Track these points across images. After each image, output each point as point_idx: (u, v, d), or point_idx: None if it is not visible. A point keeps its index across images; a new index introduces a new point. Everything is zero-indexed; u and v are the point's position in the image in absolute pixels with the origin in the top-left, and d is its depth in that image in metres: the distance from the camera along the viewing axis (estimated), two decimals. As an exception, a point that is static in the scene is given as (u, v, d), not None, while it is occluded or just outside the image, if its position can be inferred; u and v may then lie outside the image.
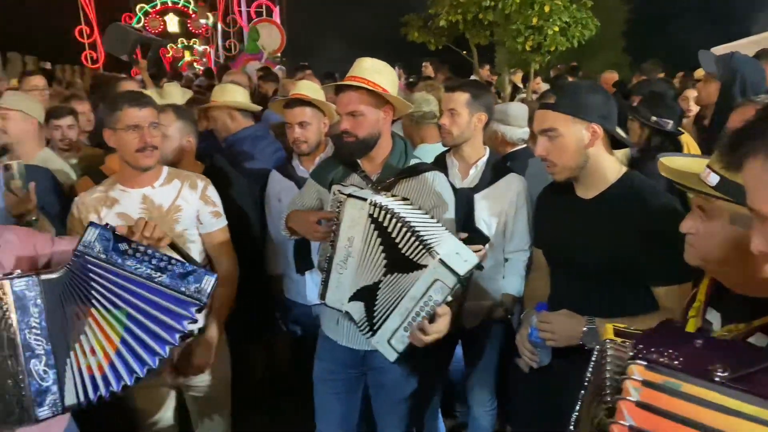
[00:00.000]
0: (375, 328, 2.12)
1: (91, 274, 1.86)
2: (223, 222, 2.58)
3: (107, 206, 2.39)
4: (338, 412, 2.56)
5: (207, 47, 21.18)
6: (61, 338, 1.82)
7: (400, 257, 2.06)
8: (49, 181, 2.92)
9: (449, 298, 2.00)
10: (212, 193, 2.56)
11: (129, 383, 1.86)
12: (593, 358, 1.69)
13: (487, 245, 2.71)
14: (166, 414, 2.64)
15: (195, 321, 1.92)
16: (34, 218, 2.54)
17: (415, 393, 2.55)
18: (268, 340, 3.60)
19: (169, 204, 2.45)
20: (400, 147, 2.39)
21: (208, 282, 1.94)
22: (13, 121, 3.16)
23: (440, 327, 2.01)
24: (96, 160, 3.53)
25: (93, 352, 1.86)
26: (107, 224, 1.93)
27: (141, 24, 19.78)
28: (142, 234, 1.97)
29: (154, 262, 1.91)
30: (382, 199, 2.14)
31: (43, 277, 1.80)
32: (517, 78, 8.20)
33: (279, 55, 13.03)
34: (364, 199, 2.16)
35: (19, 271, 1.82)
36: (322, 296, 2.27)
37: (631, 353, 1.13)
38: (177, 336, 1.89)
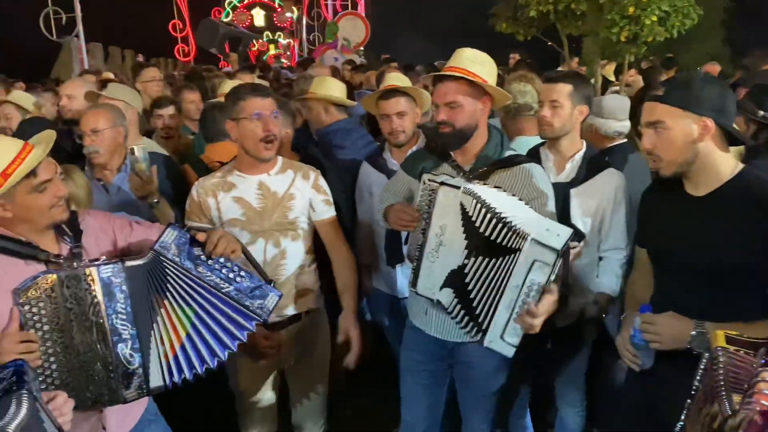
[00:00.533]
0: (484, 327, 2.11)
1: (166, 270, 1.94)
2: (333, 210, 2.64)
3: (225, 190, 2.48)
4: (424, 403, 2.57)
5: (291, 41, 21.63)
6: (143, 324, 1.90)
7: (492, 243, 2.05)
8: (166, 167, 3.06)
9: (552, 276, 1.97)
10: (323, 182, 2.62)
11: (188, 377, 1.95)
12: (701, 366, 1.61)
13: (581, 242, 2.63)
14: (267, 394, 2.72)
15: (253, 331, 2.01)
16: (155, 200, 2.67)
17: (503, 389, 2.52)
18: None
19: (284, 192, 2.52)
20: (496, 139, 2.35)
21: (272, 300, 2.02)
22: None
23: (547, 306, 1.99)
24: (190, 148, 3.69)
25: (162, 342, 1.94)
26: (186, 228, 2.02)
27: (229, 18, 20.46)
28: (214, 249, 1.99)
29: (224, 271, 1.99)
30: (475, 187, 2.12)
31: (128, 263, 1.88)
32: (608, 70, 7.90)
33: (362, 48, 13.15)
34: (457, 187, 2.15)
35: (104, 257, 1.90)
36: (413, 284, 2.29)
37: (762, 360, 1.07)
38: (236, 344, 1.98)
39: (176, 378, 1.94)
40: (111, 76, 5.82)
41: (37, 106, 4.28)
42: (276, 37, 22.27)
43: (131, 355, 1.87)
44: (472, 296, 2.13)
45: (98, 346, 1.82)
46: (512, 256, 2.02)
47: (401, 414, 2.65)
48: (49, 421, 1.23)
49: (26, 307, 1.75)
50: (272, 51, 22.06)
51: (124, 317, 1.86)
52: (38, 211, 1.82)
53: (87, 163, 2.92)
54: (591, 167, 2.66)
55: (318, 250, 2.66)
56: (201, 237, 2.01)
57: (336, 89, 3.59)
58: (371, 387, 3.70)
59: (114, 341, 1.84)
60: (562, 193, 2.58)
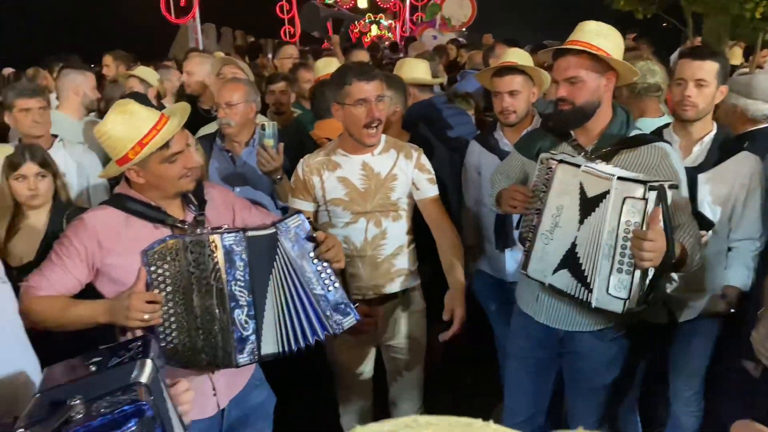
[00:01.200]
0: (591, 287, 2.01)
1: (277, 249, 1.98)
2: (437, 189, 2.58)
3: (329, 169, 2.49)
4: (529, 392, 2.49)
5: (393, 21, 21.61)
6: (259, 292, 1.95)
7: (590, 201, 1.98)
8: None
9: (647, 212, 1.85)
10: (425, 161, 2.57)
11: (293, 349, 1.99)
12: None
13: (710, 231, 2.45)
14: (366, 368, 2.74)
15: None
16: (279, 177, 2.74)
17: (614, 382, 2.39)
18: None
19: (387, 172, 2.49)
20: (621, 117, 2.21)
21: (349, 321, 2.04)
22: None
23: (655, 238, 1.83)
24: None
25: (273, 311, 1.98)
26: (309, 220, 2.05)
27: (333, 0, 20.69)
28: (326, 251, 2.03)
29: (323, 275, 2.03)
30: (598, 165, 2.01)
31: (249, 233, 1.93)
32: (736, 52, 7.31)
33: (464, 30, 12.88)
34: (578, 166, 2.05)
35: (226, 226, 1.97)
36: (524, 266, 2.21)
37: None
38: (304, 345, 2.00)
39: (286, 348, 1.98)
40: (222, 55, 6.03)
41: (161, 82, 4.50)
42: (378, 19, 22.32)
43: (246, 321, 1.91)
44: (582, 268, 2.03)
45: (216, 310, 1.88)
46: (603, 201, 1.93)
47: (504, 400, 2.59)
48: (169, 400, 1.25)
49: (152, 268, 1.84)
50: (374, 32, 22.13)
51: (242, 284, 1.91)
52: (168, 180, 1.92)
53: (218, 134, 3.05)
54: (723, 150, 2.46)
55: (418, 230, 2.62)
56: (321, 236, 2.05)
57: (418, 70, 3.53)
58: (470, 371, 3.67)
59: (231, 306, 1.89)
60: (689, 177, 2.39)
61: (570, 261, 2.08)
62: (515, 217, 2.78)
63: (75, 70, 3.94)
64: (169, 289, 1.85)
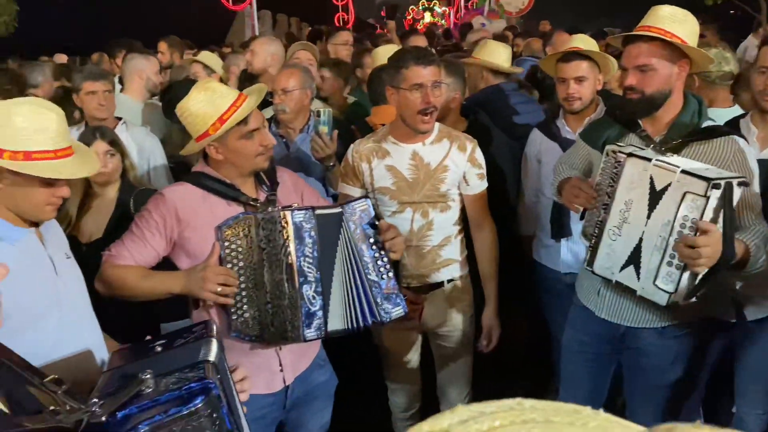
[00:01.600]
0: (639, 277, 1.97)
1: (341, 230, 2.02)
2: (485, 184, 2.56)
3: (379, 157, 2.47)
4: (586, 386, 2.44)
5: (447, 8, 21.39)
6: (326, 269, 1.99)
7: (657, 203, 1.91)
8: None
9: (710, 213, 1.78)
10: (479, 155, 2.53)
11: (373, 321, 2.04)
12: None
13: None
14: (412, 355, 2.74)
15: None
16: (332, 164, 2.75)
17: (677, 381, 2.31)
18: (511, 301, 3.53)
19: (437, 163, 2.45)
20: (693, 107, 2.12)
21: (398, 312, 2.06)
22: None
23: (707, 241, 1.76)
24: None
25: (339, 288, 2.03)
26: (375, 208, 2.09)
27: (387, -14, 20.61)
28: (389, 240, 2.06)
29: (379, 262, 2.06)
30: (670, 159, 1.94)
31: (318, 211, 1.97)
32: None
33: (521, 18, 12.63)
34: (648, 159, 1.97)
35: (296, 204, 2.00)
36: (590, 263, 2.15)
37: None
38: (369, 323, 2.05)
39: (351, 325, 2.03)
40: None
41: (225, 68, 4.56)
42: (432, 5, 22.14)
43: (314, 297, 1.95)
44: (642, 257, 1.98)
45: (285, 285, 1.93)
46: (666, 192, 1.87)
47: (559, 393, 2.55)
48: (230, 378, 1.28)
49: (226, 243, 1.90)
50: (427, 19, 21.96)
51: (311, 261, 1.95)
52: (245, 156, 1.97)
53: (273, 120, 3.07)
54: None
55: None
56: (384, 224, 2.10)
57: (498, 56, 3.46)
58: (521, 361, 3.61)
59: (300, 282, 1.93)
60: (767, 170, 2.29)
61: (636, 257, 2.02)
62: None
63: (140, 54, 4.05)
64: (241, 264, 1.92)
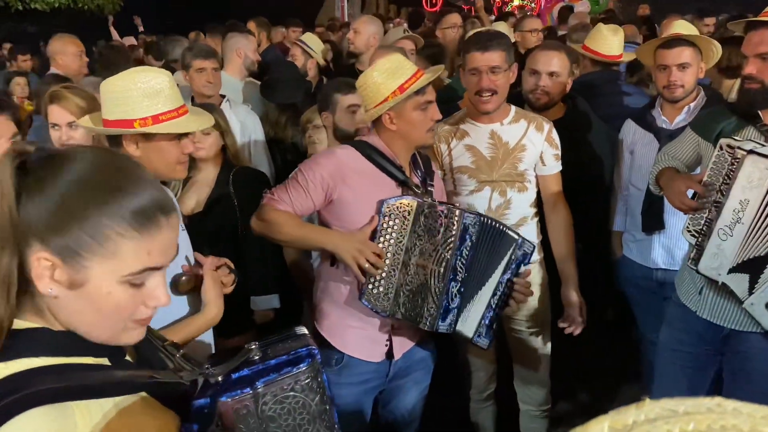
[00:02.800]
0: (752, 291, 1.88)
1: (509, 252, 2.14)
2: (560, 166, 2.58)
3: (457, 138, 2.51)
4: (682, 386, 2.33)
5: (537, -10, 20.76)
6: (476, 273, 2.08)
7: None
8: None
9: None
10: (555, 136, 2.55)
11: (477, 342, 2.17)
12: None
13: None
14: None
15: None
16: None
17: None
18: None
19: (515, 142, 2.48)
20: None
21: (483, 343, 2.19)
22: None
23: None
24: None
25: (482, 298, 2.12)
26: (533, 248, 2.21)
27: (476, -33, 20.23)
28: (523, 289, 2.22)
29: (498, 296, 2.19)
30: None
31: (483, 219, 2.07)
32: None
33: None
34: None
35: (458, 203, 2.16)
36: (695, 262, 2.07)
37: None
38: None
39: (478, 339, 2.16)
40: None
41: (324, 52, 4.59)
42: (522, -12, 21.53)
43: (455, 295, 2.05)
44: (763, 273, 1.88)
45: (434, 276, 2.02)
46: None
47: (652, 393, 2.47)
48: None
49: (385, 218, 1.98)
50: (516, 2, 21.40)
51: (464, 262, 2.05)
52: (418, 129, 2.07)
53: None
54: None
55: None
56: (527, 272, 2.23)
57: (607, 45, 3.34)
58: (603, 355, 3.52)
59: (450, 278, 2.03)
60: None
61: (754, 268, 1.92)
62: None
63: (239, 33, 4.16)
64: (391, 241, 1.98)
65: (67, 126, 2.29)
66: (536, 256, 2.57)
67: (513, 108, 2.54)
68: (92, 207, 0.88)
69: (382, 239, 1.97)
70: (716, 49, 2.70)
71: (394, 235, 1.98)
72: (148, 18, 11.16)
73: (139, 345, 1.02)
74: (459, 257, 2.02)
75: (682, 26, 2.86)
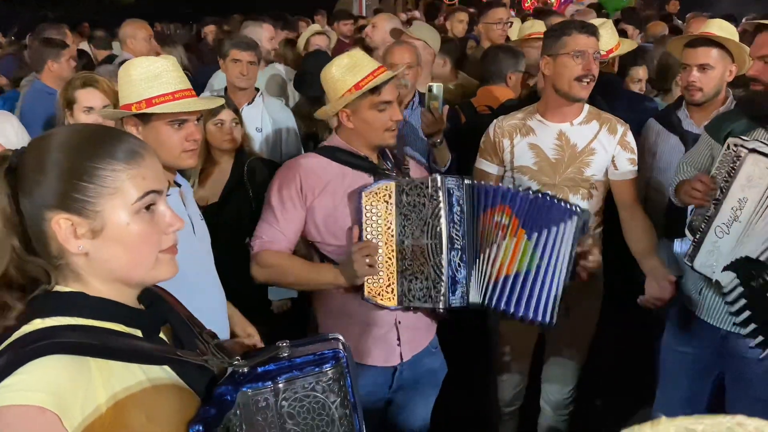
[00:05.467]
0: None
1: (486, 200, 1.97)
2: (636, 171, 2.42)
3: (522, 134, 2.40)
4: (683, 387, 2.34)
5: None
6: (471, 240, 1.95)
7: None
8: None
9: None
10: (631, 139, 2.41)
11: (507, 311, 1.94)
12: None
13: None
14: (529, 345, 2.70)
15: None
16: (439, 140, 2.71)
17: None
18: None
19: (584, 145, 2.35)
20: None
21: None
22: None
23: None
24: (470, 89, 3.69)
25: (492, 262, 1.96)
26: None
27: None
28: None
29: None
30: None
31: (467, 181, 1.95)
32: None
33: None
34: None
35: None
36: (691, 258, 2.04)
37: None
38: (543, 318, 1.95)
39: (491, 302, 1.96)
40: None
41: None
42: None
43: (459, 264, 1.92)
44: (754, 276, 1.85)
45: (431, 251, 1.90)
46: None
47: (657, 395, 2.46)
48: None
49: (366, 209, 1.93)
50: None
51: (459, 229, 1.92)
52: (374, 128, 2.00)
53: None
54: None
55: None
56: None
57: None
58: (624, 365, 3.47)
59: (448, 248, 1.90)
60: None
61: (745, 272, 1.88)
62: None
63: (254, 22, 4.17)
64: (380, 230, 1.94)
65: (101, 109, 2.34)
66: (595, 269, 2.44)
67: (587, 107, 2.40)
68: (83, 160, 0.98)
69: (370, 230, 1.92)
70: (745, 54, 2.58)
71: (380, 222, 1.93)
72: (162, 5, 11.16)
73: (176, 328, 1.09)
74: (452, 225, 1.91)
75: (717, 25, 2.76)
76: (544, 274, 1.94)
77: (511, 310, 1.94)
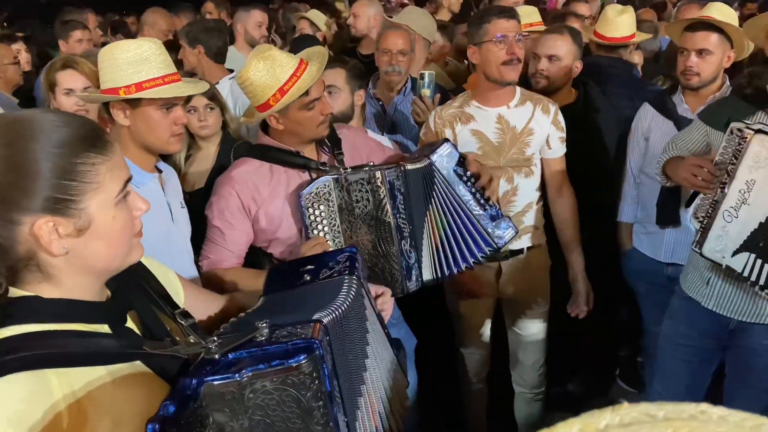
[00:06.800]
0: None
1: (435, 179, 2.01)
2: (564, 149, 2.52)
3: (462, 122, 2.43)
4: (683, 381, 2.31)
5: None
6: (417, 222, 2.00)
7: None
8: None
9: None
10: (561, 118, 2.49)
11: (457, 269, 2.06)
12: None
13: None
14: (486, 323, 2.73)
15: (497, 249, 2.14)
16: None
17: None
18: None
19: (523, 126, 2.42)
20: None
21: (509, 234, 2.12)
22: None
23: None
24: (460, 75, 3.65)
25: (430, 239, 2.05)
26: (457, 149, 2.09)
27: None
28: (484, 181, 2.07)
29: (477, 196, 2.08)
30: None
31: (408, 167, 1.96)
32: None
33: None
34: None
35: (372, 162, 2.00)
36: (699, 245, 2.01)
37: None
38: (471, 262, 2.07)
39: (442, 272, 2.05)
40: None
41: (328, 25, 4.63)
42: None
43: (410, 251, 1.98)
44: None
45: (382, 244, 1.94)
46: None
47: (653, 387, 2.44)
48: (371, 308, 1.34)
49: (309, 210, 1.89)
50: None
51: (403, 216, 1.96)
52: (306, 126, 1.95)
53: (372, 80, 3.03)
54: None
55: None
56: (474, 167, 2.07)
57: (616, 27, 3.24)
58: (601, 344, 3.45)
59: (398, 238, 1.94)
60: None
61: (755, 243, 1.89)
62: (687, 193, 2.54)
63: (242, 8, 4.15)
64: (326, 229, 1.91)
65: (82, 91, 2.28)
66: (541, 240, 2.57)
67: (518, 89, 2.46)
68: (63, 157, 0.91)
69: (315, 231, 1.89)
70: (744, 40, 2.55)
71: (325, 222, 1.90)
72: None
73: (142, 314, 1.06)
74: (397, 215, 1.93)
75: (717, 9, 2.69)
76: (459, 222, 2.05)
77: (461, 266, 2.05)
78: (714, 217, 1.98)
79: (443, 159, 2.03)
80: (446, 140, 2.10)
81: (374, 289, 1.45)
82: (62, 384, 0.88)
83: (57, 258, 0.93)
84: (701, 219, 2.04)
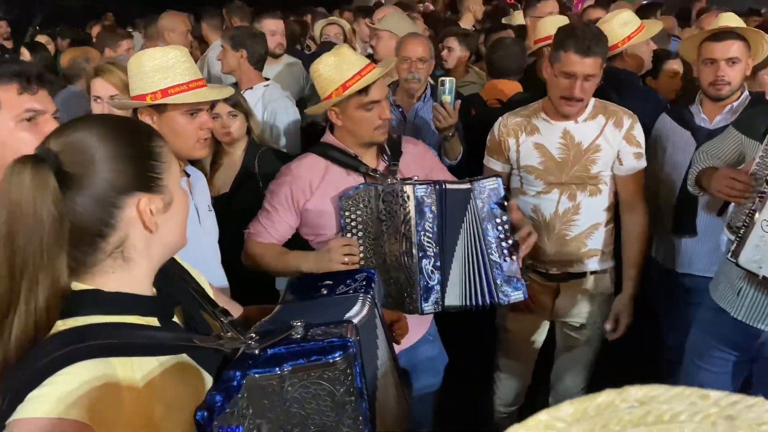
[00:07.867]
0: None
1: (467, 206, 1.96)
2: (644, 163, 2.42)
3: (527, 133, 2.40)
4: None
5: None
6: (447, 245, 1.96)
7: None
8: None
9: None
10: (638, 132, 2.38)
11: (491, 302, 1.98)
12: None
13: None
14: (536, 344, 2.68)
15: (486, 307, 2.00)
16: (450, 134, 2.70)
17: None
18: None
19: (589, 143, 2.34)
20: None
21: (517, 296, 1.98)
22: (382, 41, 3.46)
23: None
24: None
25: (461, 264, 1.99)
26: (505, 191, 2.01)
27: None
28: (522, 239, 1.97)
29: (503, 244, 1.97)
30: None
31: (447, 186, 1.95)
32: None
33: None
34: None
35: (416, 177, 2.00)
36: (734, 254, 2.00)
37: None
38: (487, 303, 1.98)
39: (469, 303, 1.99)
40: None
41: (350, 32, 4.68)
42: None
43: (432, 271, 1.94)
44: None
45: (404, 258, 1.94)
46: None
47: None
48: (381, 329, 1.37)
49: (346, 213, 1.95)
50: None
51: (431, 236, 1.94)
52: (362, 127, 2.00)
53: (392, 87, 3.04)
54: None
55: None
56: (515, 215, 2.00)
57: (612, 34, 3.25)
58: (636, 368, 3.45)
59: (419, 256, 1.93)
60: None
61: None
62: (702, 201, 2.55)
63: (266, 15, 4.18)
64: (360, 234, 1.96)
65: (109, 99, 2.35)
66: (607, 264, 2.48)
67: (592, 100, 2.36)
68: (141, 142, 1.03)
69: (349, 234, 1.95)
70: (764, 47, 2.58)
71: (360, 227, 1.95)
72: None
73: (188, 310, 1.12)
74: (422, 233, 1.92)
75: (730, 19, 2.73)
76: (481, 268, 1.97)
77: (493, 299, 1.97)
78: (751, 226, 1.97)
79: (485, 191, 1.97)
80: (497, 176, 2.04)
81: (389, 315, 1.50)
82: (125, 371, 0.94)
83: (141, 241, 1.01)
84: (737, 229, 2.03)
